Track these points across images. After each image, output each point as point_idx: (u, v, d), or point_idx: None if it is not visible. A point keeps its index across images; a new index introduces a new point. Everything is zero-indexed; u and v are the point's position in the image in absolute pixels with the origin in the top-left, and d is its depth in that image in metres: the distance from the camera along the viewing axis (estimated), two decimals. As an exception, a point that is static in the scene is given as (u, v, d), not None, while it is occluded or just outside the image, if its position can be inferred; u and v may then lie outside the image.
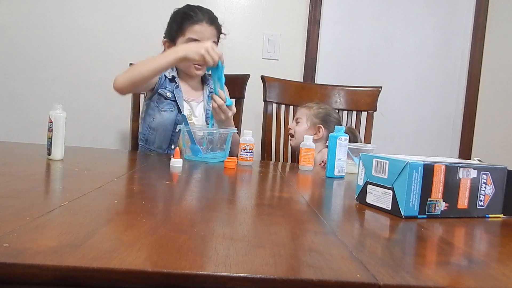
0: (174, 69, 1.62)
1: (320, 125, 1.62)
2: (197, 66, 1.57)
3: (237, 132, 1.59)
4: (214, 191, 0.91)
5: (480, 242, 0.66)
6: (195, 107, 1.61)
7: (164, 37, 1.61)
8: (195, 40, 1.52)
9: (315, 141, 1.54)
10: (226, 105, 1.39)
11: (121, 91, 1.43)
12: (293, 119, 1.73)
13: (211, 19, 1.56)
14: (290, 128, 1.69)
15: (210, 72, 1.43)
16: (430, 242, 0.62)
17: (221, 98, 1.38)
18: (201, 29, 1.52)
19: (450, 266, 0.50)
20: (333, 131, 1.52)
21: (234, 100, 1.66)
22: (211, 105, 1.43)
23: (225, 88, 1.46)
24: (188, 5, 1.59)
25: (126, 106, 1.81)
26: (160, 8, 2.06)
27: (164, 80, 1.58)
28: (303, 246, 0.52)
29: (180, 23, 1.53)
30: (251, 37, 2.13)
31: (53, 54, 2.06)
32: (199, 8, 1.56)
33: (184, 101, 1.58)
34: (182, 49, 1.37)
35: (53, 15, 2.05)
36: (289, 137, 1.72)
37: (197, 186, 0.96)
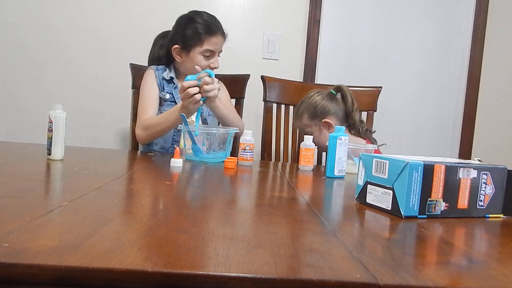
0: (172, 70, 1.63)
1: (324, 120, 1.55)
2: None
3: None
4: (214, 191, 0.91)
5: (480, 242, 0.66)
6: None
7: (175, 43, 1.57)
8: (211, 51, 1.54)
9: (329, 133, 1.54)
10: (212, 77, 1.37)
11: (144, 143, 1.61)
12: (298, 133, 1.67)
13: (223, 29, 1.58)
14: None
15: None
16: (430, 242, 0.62)
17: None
18: (217, 40, 1.55)
19: (450, 266, 0.50)
20: (333, 109, 1.51)
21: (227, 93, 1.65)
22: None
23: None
24: (199, 13, 1.57)
25: (126, 106, 1.81)
26: (160, 8, 2.06)
27: (162, 84, 1.59)
28: (303, 246, 0.52)
29: (197, 33, 1.52)
30: (251, 37, 2.13)
31: (53, 54, 2.06)
32: (211, 17, 1.57)
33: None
34: (180, 108, 1.39)
35: (53, 15, 2.05)
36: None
37: (197, 186, 0.96)
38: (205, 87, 1.34)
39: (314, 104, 1.58)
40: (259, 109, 1.88)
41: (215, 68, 1.57)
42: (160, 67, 1.63)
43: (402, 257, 0.52)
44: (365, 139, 1.58)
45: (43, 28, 2.05)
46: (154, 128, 1.51)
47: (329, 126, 1.55)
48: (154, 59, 1.68)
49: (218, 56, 1.60)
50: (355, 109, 1.59)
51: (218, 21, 1.58)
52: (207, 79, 1.35)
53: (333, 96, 1.59)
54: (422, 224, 0.69)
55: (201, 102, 1.36)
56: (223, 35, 1.57)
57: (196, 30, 1.53)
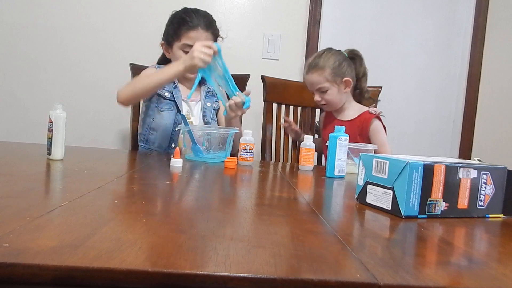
0: None
1: (346, 78, 1.53)
2: None
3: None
4: (214, 191, 0.91)
5: (480, 242, 0.66)
6: (193, 107, 1.62)
7: (162, 39, 1.61)
8: (191, 46, 1.52)
9: (344, 93, 1.55)
10: (244, 108, 1.40)
11: (124, 103, 1.50)
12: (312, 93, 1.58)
13: (207, 24, 1.54)
14: (319, 100, 1.57)
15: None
16: (430, 242, 0.62)
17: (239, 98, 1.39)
18: (197, 35, 1.52)
19: (450, 266, 0.50)
20: (351, 71, 1.53)
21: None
22: (227, 103, 1.41)
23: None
24: (185, 9, 1.57)
25: (126, 106, 1.81)
26: (160, 8, 2.06)
27: None
28: (303, 246, 0.52)
29: (176, 28, 1.53)
30: (251, 37, 2.13)
31: (53, 54, 2.06)
32: (195, 12, 1.55)
33: (182, 101, 1.58)
34: (180, 62, 1.38)
35: (53, 15, 2.05)
36: (319, 105, 1.62)
37: (197, 186, 0.96)
38: (229, 103, 1.38)
39: (338, 61, 1.54)
40: (259, 109, 1.88)
41: None
42: (162, 66, 1.64)
43: (402, 257, 0.52)
44: (366, 106, 1.60)
45: (43, 28, 2.05)
46: (138, 81, 1.45)
47: (347, 85, 1.54)
48: (159, 60, 1.69)
49: None
50: (365, 76, 1.60)
51: (205, 16, 1.55)
52: (237, 99, 1.37)
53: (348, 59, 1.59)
54: (422, 224, 0.69)
55: (204, 65, 1.34)
56: (208, 29, 1.54)
57: (175, 24, 1.54)
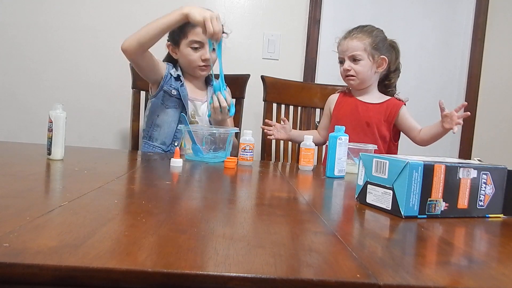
0: (179, 68, 1.63)
1: (385, 57, 1.50)
2: (202, 67, 1.58)
3: (237, 132, 1.60)
4: (214, 191, 0.91)
5: (480, 242, 0.66)
6: (199, 107, 1.62)
7: (168, 40, 1.61)
8: (198, 42, 1.53)
9: (375, 73, 1.53)
10: (230, 115, 1.46)
11: (128, 51, 1.45)
12: (342, 61, 1.53)
13: None
14: (348, 69, 1.51)
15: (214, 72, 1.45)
16: (430, 242, 0.62)
17: (226, 102, 1.44)
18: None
19: (450, 266, 0.50)
20: (396, 57, 1.51)
21: (234, 100, 1.67)
22: (211, 105, 1.47)
23: (228, 90, 1.48)
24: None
25: (126, 106, 1.81)
26: (160, 8, 2.06)
27: (169, 78, 1.59)
28: (303, 246, 0.52)
29: (182, 26, 1.52)
30: (251, 37, 2.13)
31: (53, 54, 2.06)
32: None
33: (188, 100, 1.59)
34: (187, 7, 1.39)
35: (53, 15, 2.05)
36: (345, 77, 1.55)
37: (197, 186, 0.96)
38: (215, 105, 1.45)
39: (381, 38, 1.52)
40: (259, 109, 1.88)
41: (206, 59, 1.55)
42: (170, 64, 1.64)
43: (402, 257, 0.52)
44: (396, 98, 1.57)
45: (43, 28, 2.05)
46: (145, 27, 1.43)
47: (381, 65, 1.52)
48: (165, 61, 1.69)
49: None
50: (398, 71, 1.58)
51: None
52: (216, 103, 1.44)
53: None
54: (422, 224, 0.69)
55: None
56: None
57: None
